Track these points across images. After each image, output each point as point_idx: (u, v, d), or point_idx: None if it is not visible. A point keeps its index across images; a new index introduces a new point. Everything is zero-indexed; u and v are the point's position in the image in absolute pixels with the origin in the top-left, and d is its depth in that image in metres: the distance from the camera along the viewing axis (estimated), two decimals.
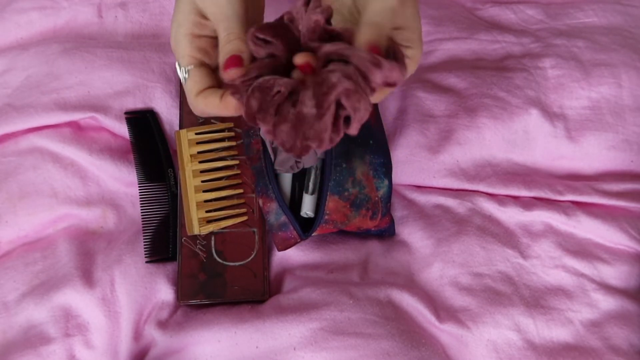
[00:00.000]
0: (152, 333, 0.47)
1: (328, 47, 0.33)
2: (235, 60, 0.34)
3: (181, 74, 0.37)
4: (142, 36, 0.60)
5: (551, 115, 0.56)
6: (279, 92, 0.33)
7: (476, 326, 0.47)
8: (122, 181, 0.53)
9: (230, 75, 0.34)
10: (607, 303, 0.49)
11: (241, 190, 0.52)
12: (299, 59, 0.34)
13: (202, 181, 0.51)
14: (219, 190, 0.51)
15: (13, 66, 0.56)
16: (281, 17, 0.36)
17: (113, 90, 0.55)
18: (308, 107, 0.32)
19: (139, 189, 0.52)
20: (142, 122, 0.54)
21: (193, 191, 0.50)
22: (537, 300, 0.49)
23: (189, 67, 0.36)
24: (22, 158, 0.52)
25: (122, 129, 0.54)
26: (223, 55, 0.35)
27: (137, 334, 0.47)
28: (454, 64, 0.59)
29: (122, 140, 0.55)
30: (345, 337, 0.44)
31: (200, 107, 0.36)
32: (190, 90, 0.37)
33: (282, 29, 0.35)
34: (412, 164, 0.54)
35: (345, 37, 0.34)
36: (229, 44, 0.35)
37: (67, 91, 0.54)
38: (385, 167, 0.50)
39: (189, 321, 0.47)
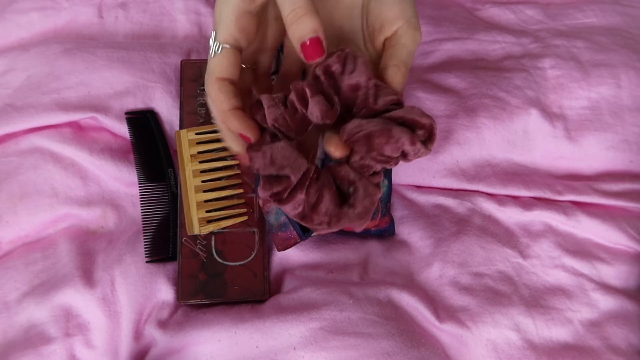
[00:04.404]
0: (153, 333, 0.47)
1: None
2: (316, 46, 0.32)
3: (213, 45, 0.35)
4: (142, 36, 0.60)
5: (551, 115, 0.56)
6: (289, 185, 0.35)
7: (476, 326, 0.47)
8: (122, 181, 0.53)
9: (316, 62, 0.33)
10: (606, 303, 0.49)
11: (241, 190, 0.52)
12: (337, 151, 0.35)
13: (202, 181, 0.51)
14: (219, 190, 0.51)
15: (14, 66, 0.56)
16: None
17: (113, 90, 0.55)
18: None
19: (139, 189, 0.52)
20: (143, 122, 0.54)
21: (193, 191, 0.50)
22: (537, 300, 0.49)
23: (225, 45, 0.34)
24: (23, 158, 0.52)
25: (123, 129, 0.54)
26: (297, 40, 0.32)
27: (137, 334, 0.47)
28: (453, 64, 0.60)
29: (123, 141, 0.55)
30: (345, 336, 0.44)
31: (210, 93, 0.35)
32: (212, 70, 0.35)
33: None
34: (412, 164, 0.54)
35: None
36: (299, 23, 0.32)
37: (68, 91, 0.54)
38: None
39: (189, 321, 0.47)
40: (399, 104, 0.35)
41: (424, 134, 0.35)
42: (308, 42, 0.32)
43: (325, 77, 0.35)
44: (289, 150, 0.35)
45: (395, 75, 0.35)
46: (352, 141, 0.35)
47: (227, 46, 0.35)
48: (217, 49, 0.35)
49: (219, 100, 0.36)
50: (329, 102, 0.35)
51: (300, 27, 0.32)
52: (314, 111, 0.34)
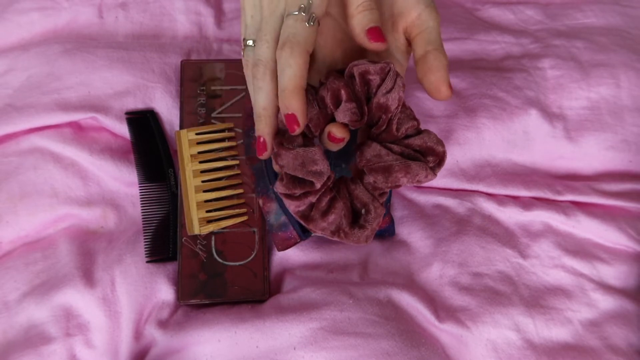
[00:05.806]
0: (153, 333, 0.47)
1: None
2: (379, 34, 0.35)
3: (302, 15, 0.34)
4: (142, 36, 0.60)
5: (550, 115, 0.56)
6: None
7: (476, 326, 0.47)
8: (122, 181, 0.53)
9: (378, 47, 0.36)
10: (606, 303, 0.49)
11: (241, 190, 0.52)
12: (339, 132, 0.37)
13: (202, 181, 0.51)
14: (219, 190, 0.51)
15: (14, 66, 0.56)
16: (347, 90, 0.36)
17: (113, 90, 0.55)
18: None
19: (139, 189, 0.52)
20: (143, 123, 0.54)
21: (193, 191, 0.50)
22: (537, 300, 0.49)
23: (317, 19, 0.34)
24: (23, 158, 0.52)
25: (123, 129, 0.54)
26: (362, 27, 0.35)
27: (137, 334, 0.47)
28: (453, 65, 0.60)
29: (123, 141, 0.55)
30: (345, 336, 0.44)
31: (291, 63, 0.34)
32: (304, 42, 0.34)
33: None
34: None
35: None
36: (367, 14, 0.35)
37: (68, 91, 0.54)
38: None
39: (189, 321, 0.47)
40: (416, 128, 0.38)
41: (435, 160, 0.37)
42: (373, 30, 0.36)
43: (360, 80, 0.36)
44: (320, 156, 0.36)
45: (440, 58, 0.37)
46: (369, 168, 0.37)
47: (317, 21, 0.35)
48: (312, 21, 0.34)
49: (300, 75, 0.34)
50: (359, 109, 0.36)
51: (368, 17, 0.36)
52: (344, 116, 0.36)
